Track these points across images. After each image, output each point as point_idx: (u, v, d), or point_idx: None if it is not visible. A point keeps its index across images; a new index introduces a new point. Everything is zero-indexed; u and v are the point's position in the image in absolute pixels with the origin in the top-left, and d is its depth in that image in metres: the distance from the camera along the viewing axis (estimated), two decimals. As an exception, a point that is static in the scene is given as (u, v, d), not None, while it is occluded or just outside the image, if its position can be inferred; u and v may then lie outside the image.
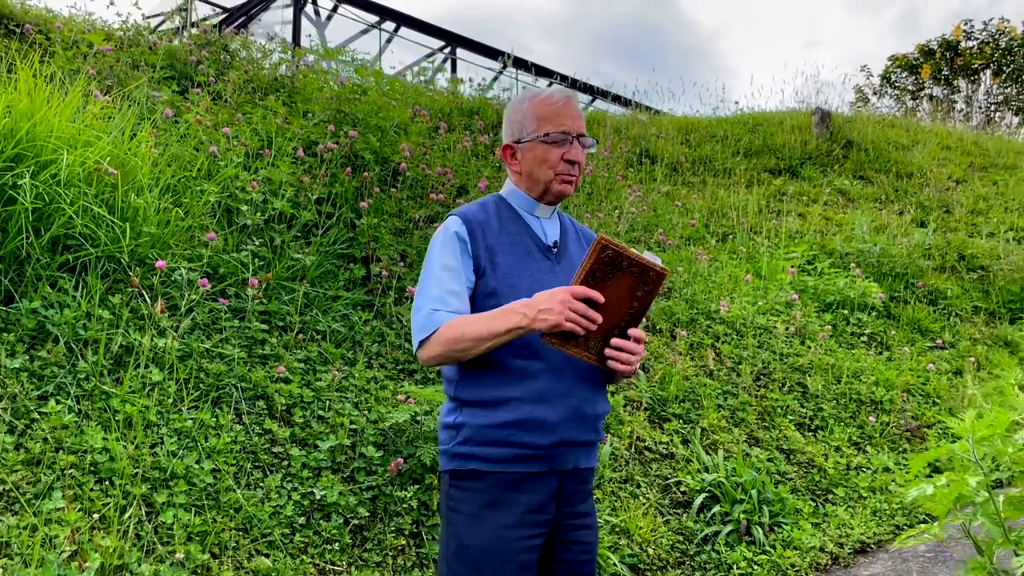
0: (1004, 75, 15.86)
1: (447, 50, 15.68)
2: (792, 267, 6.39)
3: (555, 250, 2.30)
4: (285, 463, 3.45)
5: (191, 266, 3.92)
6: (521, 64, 13.26)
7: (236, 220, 4.39)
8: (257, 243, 4.32)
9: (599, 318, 1.99)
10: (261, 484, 3.30)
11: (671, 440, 4.61)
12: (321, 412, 3.73)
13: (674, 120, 9.95)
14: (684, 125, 9.67)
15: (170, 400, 3.40)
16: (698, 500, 4.26)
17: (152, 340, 3.49)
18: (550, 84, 14.56)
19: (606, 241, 1.96)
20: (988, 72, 16.42)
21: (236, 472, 3.29)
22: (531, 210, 2.31)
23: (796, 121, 9.96)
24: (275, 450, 3.48)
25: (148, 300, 3.64)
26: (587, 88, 14.91)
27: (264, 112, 5.49)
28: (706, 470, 4.48)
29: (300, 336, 4.08)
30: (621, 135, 8.82)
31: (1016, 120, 16.38)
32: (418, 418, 3.72)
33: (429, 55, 15.56)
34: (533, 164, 2.23)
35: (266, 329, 3.96)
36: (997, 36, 16.09)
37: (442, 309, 2.08)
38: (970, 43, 16.26)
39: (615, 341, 2.05)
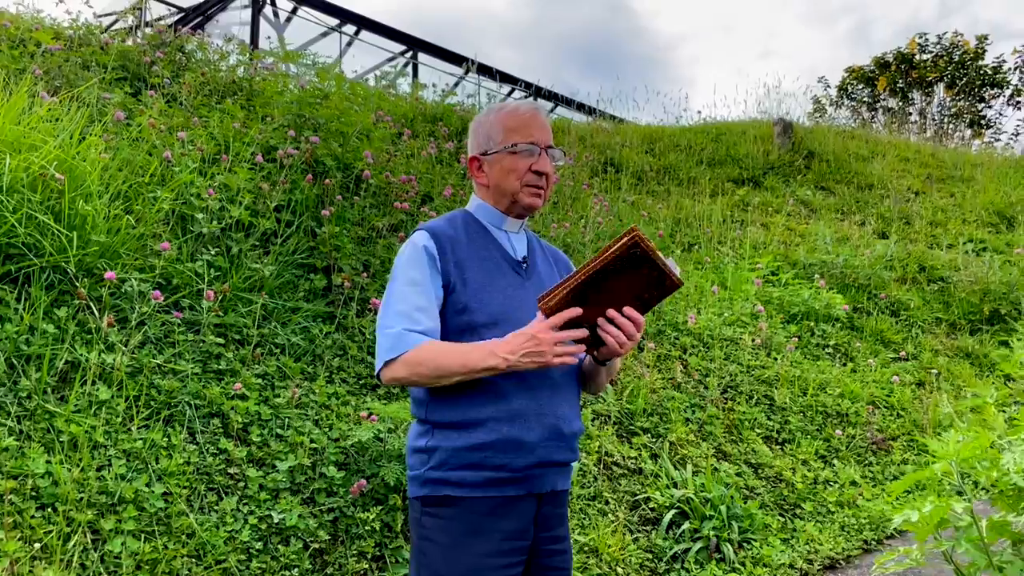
0: (957, 88, 16.16)
1: (408, 54, 15.54)
2: (758, 279, 6.37)
3: (524, 265, 2.22)
4: (241, 484, 3.29)
5: (143, 277, 3.74)
6: (485, 71, 13.16)
7: (191, 228, 4.22)
8: (213, 252, 4.15)
9: (582, 334, 1.91)
10: (216, 508, 3.14)
11: (639, 455, 4.53)
12: (280, 430, 3.57)
13: (638, 129, 9.93)
14: (648, 134, 9.65)
15: (119, 419, 3.22)
16: (667, 517, 4.18)
17: (100, 356, 3.31)
18: (512, 91, 14.50)
19: (639, 239, 1.83)
20: (941, 85, 16.73)
21: (189, 495, 3.13)
22: (499, 224, 2.23)
23: (758, 131, 10.00)
24: (231, 471, 3.32)
25: (96, 313, 3.45)
26: (551, 95, 14.87)
27: (221, 116, 5.31)
28: (675, 485, 4.41)
29: (258, 350, 3.92)
30: (585, 144, 8.77)
31: (968, 132, 16.73)
32: (381, 436, 3.59)
33: (390, 59, 15.40)
34: (500, 176, 2.15)
35: (222, 343, 3.79)
36: (951, 50, 16.40)
37: (413, 329, 1.98)
38: (925, 56, 16.55)
39: (611, 313, 1.93)
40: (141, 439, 3.18)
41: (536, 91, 14.83)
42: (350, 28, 14.74)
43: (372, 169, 5.21)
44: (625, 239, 1.81)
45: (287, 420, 3.62)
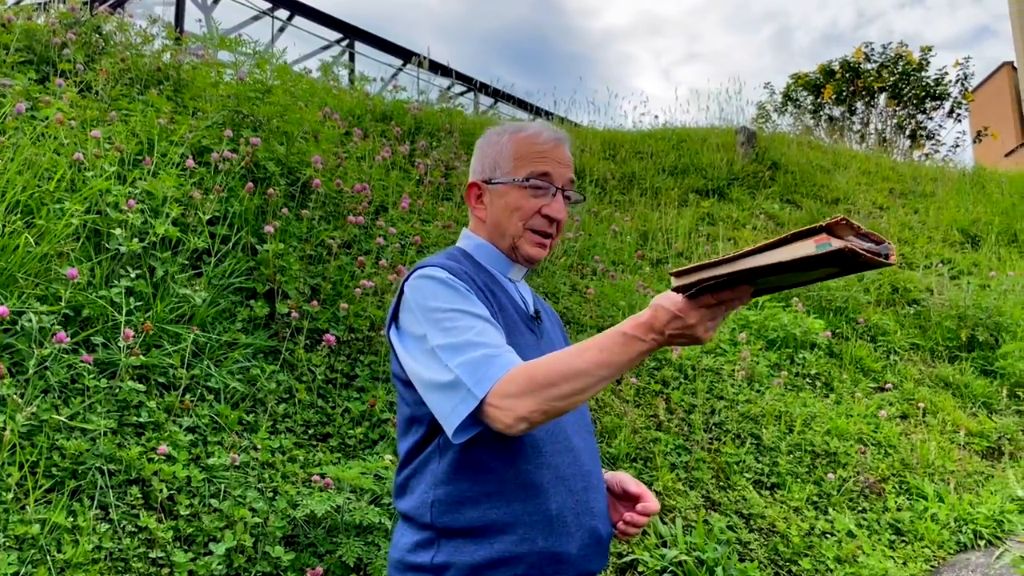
0: (902, 99, 16.21)
1: (345, 43, 14.86)
2: (737, 302, 5.96)
3: (538, 322, 1.73)
4: (167, 572, 2.66)
5: (45, 309, 3.06)
6: (438, 67, 12.56)
7: (106, 246, 3.52)
8: (133, 275, 3.47)
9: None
10: (132, 612, 2.51)
11: (624, 508, 4.03)
12: (214, 501, 2.93)
13: (598, 133, 9.46)
14: (609, 139, 9.19)
15: (10, 495, 2.56)
16: (660, 583, 3.69)
17: (-16, 416, 2.63)
18: (450, 85, 13.92)
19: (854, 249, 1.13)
20: (884, 95, 16.78)
21: (98, 594, 2.49)
22: (505, 271, 1.75)
23: (720, 139, 9.64)
24: (153, 555, 2.68)
25: (-19, 359, 2.76)
26: (495, 92, 14.34)
27: (144, 109, 4.60)
28: (664, 544, 3.93)
29: (187, 396, 3.26)
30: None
31: (908, 143, 16.83)
32: (338, 506, 2.99)
33: (325, 47, 14.68)
34: (502, 213, 1.69)
35: (143, 389, 3.13)
36: (895, 60, 16.43)
37: (502, 352, 1.42)
38: (870, 65, 16.55)
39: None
40: (39, 521, 2.53)
41: (481, 87, 14.29)
42: (283, 13, 13.98)
43: (321, 175, 4.57)
44: (837, 242, 1.11)
45: (223, 486, 2.99)
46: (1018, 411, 6.24)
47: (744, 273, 1.20)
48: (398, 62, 14.59)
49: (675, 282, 1.30)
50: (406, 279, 1.61)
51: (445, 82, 13.63)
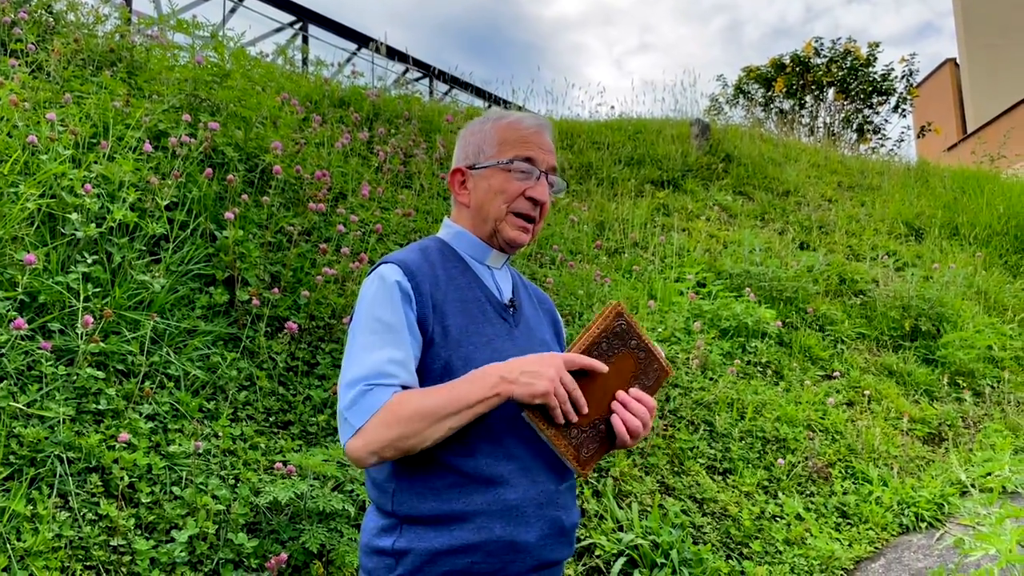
0: (850, 94, 16.54)
1: (298, 26, 14.63)
2: (692, 292, 6.07)
3: (512, 310, 1.76)
4: (128, 560, 2.65)
5: (1, 295, 3.00)
6: (396, 54, 12.44)
7: (62, 231, 3.47)
8: (90, 261, 3.42)
9: (583, 405, 1.51)
10: (95, 600, 2.49)
11: (582, 493, 4.11)
12: (175, 488, 2.92)
13: (556, 124, 9.50)
14: (567, 129, 9.24)
15: (-35, 484, 2.52)
16: (616, 566, 3.78)
17: (-60, 403, 2.59)
18: (406, 71, 13.81)
19: (622, 309, 1.55)
20: (832, 89, 17.10)
21: (59, 582, 2.47)
22: (482, 258, 1.78)
23: (675, 131, 9.76)
24: (114, 543, 2.67)
25: (-65, 345, 2.71)
26: (452, 79, 14.28)
27: (98, 91, 4.51)
28: (621, 528, 4.01)
29: (147, 384, 3.24)
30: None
31: (855, 137, 17.20)
32: (301, 493, 3.00)
33: (278, 29, 14.44)
34: (485, 195, 1.72)
35: (102, 376, 3.09)
36: (844, 55, 16.75)
37: (381, 383, 1.49)
38: (820, 60, 16.85)
39: (621, 396, 1.58)
40: (-5, 509, 2.50)
41: (439, 74, 14.22)
42: (234, -8, 13.69)
43: (281, 162, 4.54)
44: (608, 312, 1.56)
45: (184, 474, 2.98)
46: (958, 399, 6.48)
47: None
48: (352, 46, 14.42)
49: (619, 309, 1.63)
50: (368, 274, 1.68)
51: (401, 68, 13.51)
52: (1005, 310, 8.03)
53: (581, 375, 1.50)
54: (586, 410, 1.50)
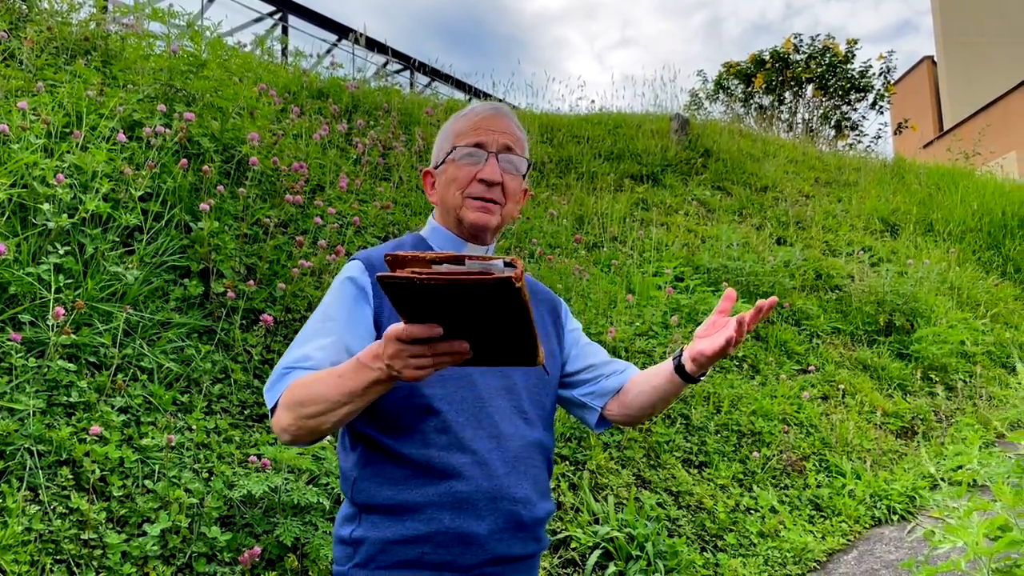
0: (828, 90, 16.65)
1: (278, 16, 14.50)
2: (670, 287, 6.09)
3: None
4: (99, 553, 2.63)
5: (-32, 286, 2.97)
6: (375, 45, 12.35)
7: (33, 222, 3.42)
8: (62, 252, 3.38)
9: (462, 348, 1.21)
10: (65, 594, 2.47)
11: (559, 486, 4.12)
12: (148, 481, 2.90)
13: (536, 117, 9.49)
14: (547, 123, 9.24)
15: (-68, 477, 2.49)
16: (592, 559, 3.79)
17: (-94, 395, 2.55)
18: (387, 63, 13.74)
19: (518, 279, 1.07)
20: (811, 86, 17.20)
21: (29, 573, 2.44)
22: (459, 251, 1.75)
23: (655, 125, 9.78)
24: (85, 537, 2.65)
25: (-98, 336, 2.67)
26: (433, 72, 14.21)
27: (72, 80, 4.45)
28: (597, 521, 4.03)
29: (119, 376, 3.21)
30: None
31: (833, 133, 17.33)
32: (275, 486, 2.99)
33: (258, 19, 14.31)
34: (445, 189, 1.75)
35: (73, 369, 3.06)
36: (823, 52, 16.85)
37: (299, 367, 1.51)
38: (799, 56, 16.94)
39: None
40: (-37, 503, 2.47)
41: (419, 66, 14.15)
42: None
43: (258, 153, 4.50)
44: (502, 276, 1.06)
45: (157, 467, 2.96)
46: (931, 392, 6.56)
47: (438, 280, 1.06)
48: (332, 37, 14.32)
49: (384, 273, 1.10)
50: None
51: (381, 59, 13.43)
52: (978, 305, 8.13)
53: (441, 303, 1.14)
54: (463, 347, 1.21)
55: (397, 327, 1.22)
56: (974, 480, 2.69)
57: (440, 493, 1.54)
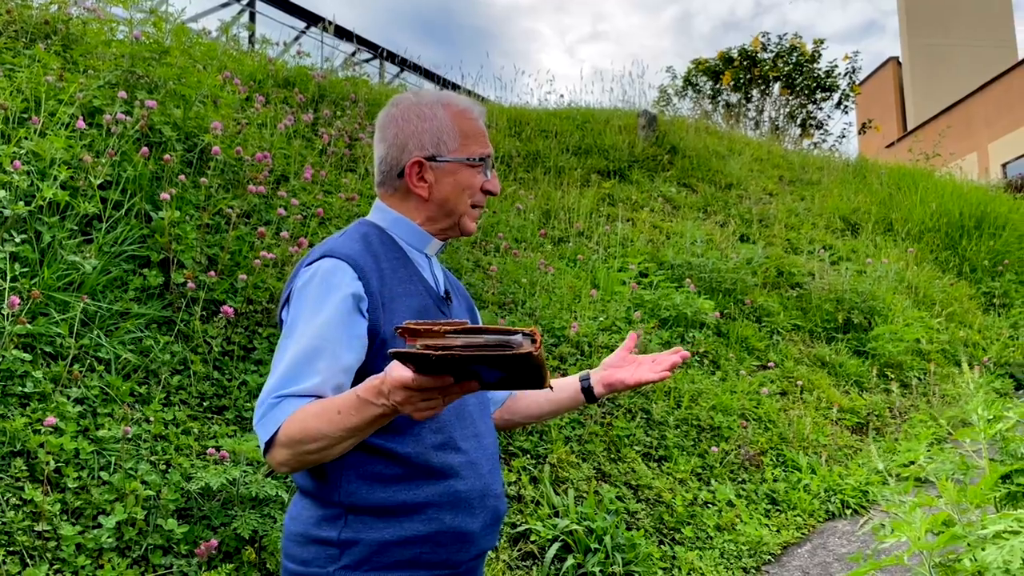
0: (795, 89, 16.85)
1: (245, 2, 14.33)
2: (635, 283, 6.15)
3: (448, 303, 1.75)
4: (53, 545, 2.61)
5: (-80, 273, 2.91)
6: (344, 34, 12.25)
7: (-11, 209, 3.37)
8: (18, 240, 3.33)
9: (472, 387, 1.26)
10: (17, 586, 2.45)
11: (519, 479, 4.15)
12: (104, 473, 2.88)
13: (504, 110, 9.50)
14: (515, 116, 9.25)
15: None
16: (551, 551, 3.84)
17: None
18: (355, 52, 13.64)
19: (538, 353, 1.12)
20: (778, 84, 17.38)
21: (-21, 569, 2.42)
22: (421, 246, 1.73)
23: (623, 121, 9.84)
24: (39, 528, 2.62)
25: None
26: (403, 62, 14.15)
27: (31, 64, 4.37)
28: (556, 514, 4.07)
29: (76, 367, 3.17)
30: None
31: (798, 132, 17.54)
32: (233, 479, 2.98)
33: (224, 5, 14.12)
34: (452, 191, 1.68)
35: (28, 359, 3.02)
36: (790, 51, 17.05)
37: (292, 395, 1.45)
38: (767, 55, 17.12)
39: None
40: (-88, 494, 2.44)
41: (389, 56, 14.08)
42: (179, -33, 13.35)
43: (221, 142, 4.46)
44: (526, 348, 1.11)
45: (113, 459, 2.93)
46: (886, 389, 6.70)
47: (456, 356, 1.10)
48: (301, 25, 14.18)
49: (396, 348, 1.16)
50: (305, 263, 1.61)
51: (350, 48, 13.32)
52: (933, 304, 8.31)
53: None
54: (473, 385, 1.25)
55: (405, 376, 1.20)
56: (924, 476, 2.77)
57: (440, 493, 1.55)
